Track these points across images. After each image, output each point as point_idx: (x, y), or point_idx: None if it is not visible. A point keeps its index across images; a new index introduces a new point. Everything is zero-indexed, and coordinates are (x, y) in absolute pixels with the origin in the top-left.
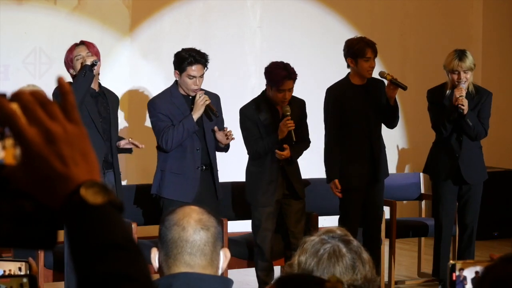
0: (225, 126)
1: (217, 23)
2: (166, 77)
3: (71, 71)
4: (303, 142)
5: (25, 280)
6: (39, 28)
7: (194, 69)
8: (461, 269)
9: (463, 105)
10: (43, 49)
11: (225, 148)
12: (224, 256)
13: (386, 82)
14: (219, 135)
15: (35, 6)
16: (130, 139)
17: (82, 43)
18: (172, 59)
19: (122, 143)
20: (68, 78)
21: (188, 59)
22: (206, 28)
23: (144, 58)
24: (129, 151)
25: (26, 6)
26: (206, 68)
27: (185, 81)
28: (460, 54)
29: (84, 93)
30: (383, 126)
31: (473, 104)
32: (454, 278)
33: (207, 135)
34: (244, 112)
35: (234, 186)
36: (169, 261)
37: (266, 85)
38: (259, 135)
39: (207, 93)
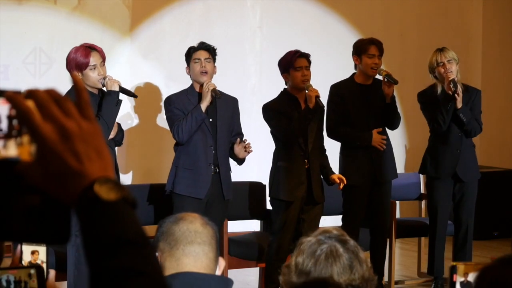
0: (244, 138)
1: (217, 23)
2: (166, 77)
3: (79, 74)
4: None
5: (32, 271)
6: (39, 28)
7: (198, 53)
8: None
9: (456, 90)
10: (43, 49)
11: (240, 161)
12: (220, 264)
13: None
14: (237, 148)
15: (35, 6)
16: None
17: (94, 48)
18: (172, 59)
19: None
20: (66, 78)
21: (195, 47)
22: (206, 28)
23: (144, 58)
24: None
25: (26, 6)
26: (212, 57)
27: (193, 67)
28: (441, 48)
29: (114, 122)
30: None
31: (464, 102)
32: (454, 279)
33: (218, 134)
34: (267, 106)
35: (234, 186)
36: (177, 252)
37: (284, 77)
38: (287, 120)
39: (225, 96)
